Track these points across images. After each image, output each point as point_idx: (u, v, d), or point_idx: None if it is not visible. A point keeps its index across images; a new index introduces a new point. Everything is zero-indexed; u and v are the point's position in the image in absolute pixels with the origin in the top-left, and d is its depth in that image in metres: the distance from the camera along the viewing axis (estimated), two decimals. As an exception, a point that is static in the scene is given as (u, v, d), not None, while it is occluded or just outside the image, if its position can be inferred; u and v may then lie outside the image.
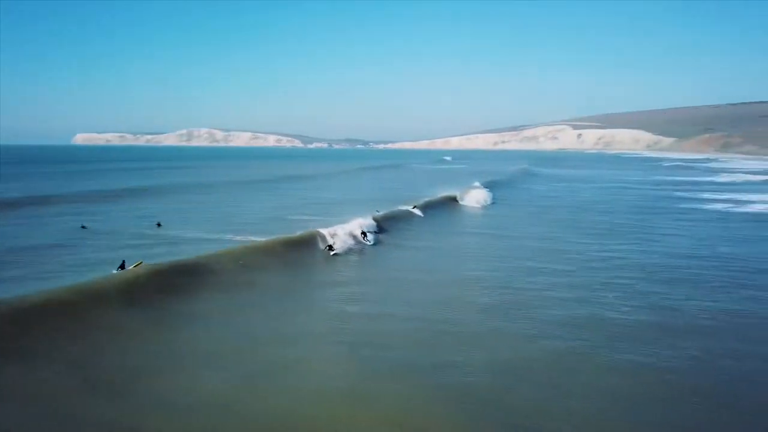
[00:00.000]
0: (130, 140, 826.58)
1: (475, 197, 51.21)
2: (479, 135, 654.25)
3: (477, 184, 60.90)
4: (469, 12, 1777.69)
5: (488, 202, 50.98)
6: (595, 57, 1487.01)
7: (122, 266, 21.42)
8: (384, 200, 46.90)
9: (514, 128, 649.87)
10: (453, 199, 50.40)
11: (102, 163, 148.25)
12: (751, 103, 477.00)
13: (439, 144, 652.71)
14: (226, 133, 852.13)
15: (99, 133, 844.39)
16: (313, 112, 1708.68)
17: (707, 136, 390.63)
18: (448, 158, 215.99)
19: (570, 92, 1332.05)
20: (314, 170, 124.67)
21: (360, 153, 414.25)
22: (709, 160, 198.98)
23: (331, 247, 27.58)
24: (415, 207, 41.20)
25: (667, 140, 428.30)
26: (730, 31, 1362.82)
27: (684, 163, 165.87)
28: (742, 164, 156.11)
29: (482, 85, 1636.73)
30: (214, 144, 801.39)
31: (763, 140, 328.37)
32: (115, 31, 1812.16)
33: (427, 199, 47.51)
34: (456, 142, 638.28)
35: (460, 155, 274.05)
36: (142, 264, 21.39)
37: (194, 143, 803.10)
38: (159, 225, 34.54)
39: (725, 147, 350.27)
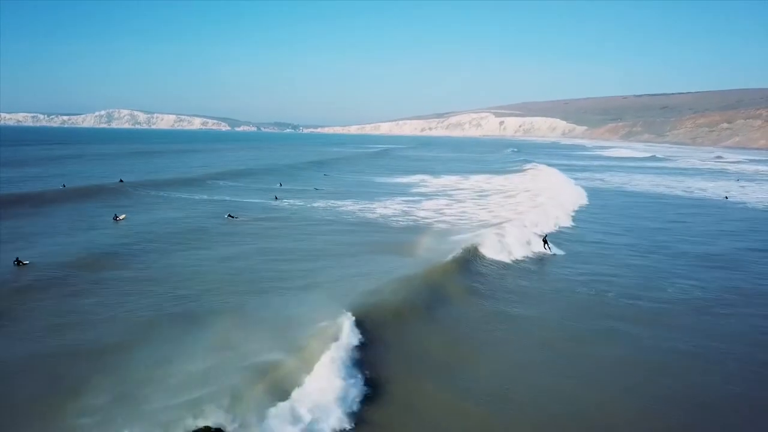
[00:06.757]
0: (43, 121, 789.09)
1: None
2: (407, 121, 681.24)
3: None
4: (399, 6, 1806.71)
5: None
6: (514, 48, 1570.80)
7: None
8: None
9: (440, 115, 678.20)
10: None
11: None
12: (653, 95, 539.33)
13: (369, 129, 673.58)
14: (149, 115, 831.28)
15: (8, 113, 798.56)
16: (240, 95, 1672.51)
17: (613, 125, 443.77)
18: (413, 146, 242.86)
19: (491, 82, 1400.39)
20: (333, 155, 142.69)
21: (302, 137, 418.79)
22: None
23: None
24: None
25: (580, 128, 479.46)
26: (635, 31, 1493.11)
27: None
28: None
29: (407, 72, 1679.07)
30: (137, 126, 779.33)
31: (660, 129, 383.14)
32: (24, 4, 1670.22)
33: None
34: (386, 128, 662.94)
35: (423, 142, 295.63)
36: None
37: (114, 125, 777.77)
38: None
39: (628, 135, 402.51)
